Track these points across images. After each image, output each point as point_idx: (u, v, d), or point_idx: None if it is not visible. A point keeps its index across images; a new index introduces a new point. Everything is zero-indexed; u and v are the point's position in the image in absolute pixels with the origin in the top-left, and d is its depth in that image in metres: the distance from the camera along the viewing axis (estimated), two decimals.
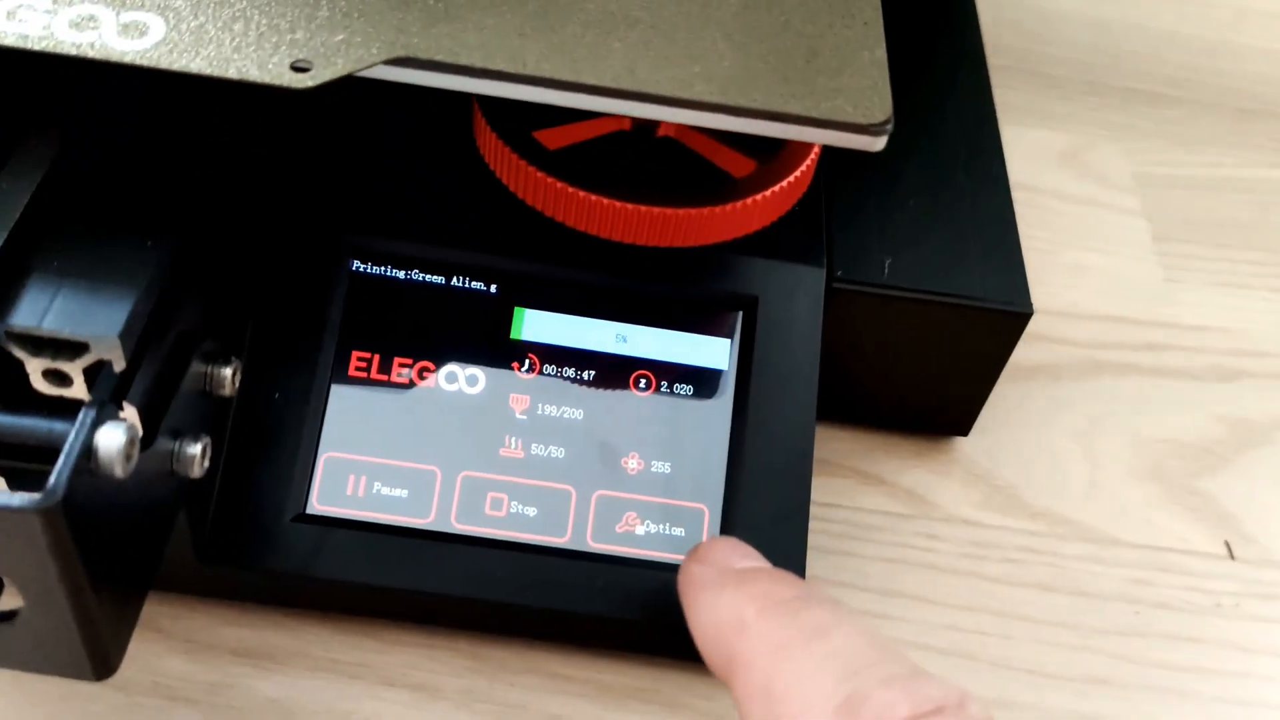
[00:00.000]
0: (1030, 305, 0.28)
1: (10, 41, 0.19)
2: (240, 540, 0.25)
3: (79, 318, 0.19)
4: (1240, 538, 0.32)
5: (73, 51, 0.19)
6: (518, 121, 0.27)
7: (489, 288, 0.27)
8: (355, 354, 0.26)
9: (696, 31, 0.22)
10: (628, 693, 0.26)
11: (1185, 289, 0.37)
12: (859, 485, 0.31)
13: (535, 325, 0.27)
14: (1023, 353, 0.32)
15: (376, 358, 0.27)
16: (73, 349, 0.19)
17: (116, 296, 0.19)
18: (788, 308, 0.28)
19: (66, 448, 0.17)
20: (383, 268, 0.27)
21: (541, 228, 0.26)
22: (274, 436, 0.26)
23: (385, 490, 0.26)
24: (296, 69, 0.20)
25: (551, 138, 0.27)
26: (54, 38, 0.20)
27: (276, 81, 0.19)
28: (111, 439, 0.18)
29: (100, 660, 0.20)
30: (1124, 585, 0.30)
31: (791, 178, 0.27)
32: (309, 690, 0.25)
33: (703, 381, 0.27)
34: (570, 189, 0.26)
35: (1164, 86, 0.44)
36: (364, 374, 0.26)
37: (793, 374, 0.27)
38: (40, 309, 0.19)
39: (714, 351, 0.27)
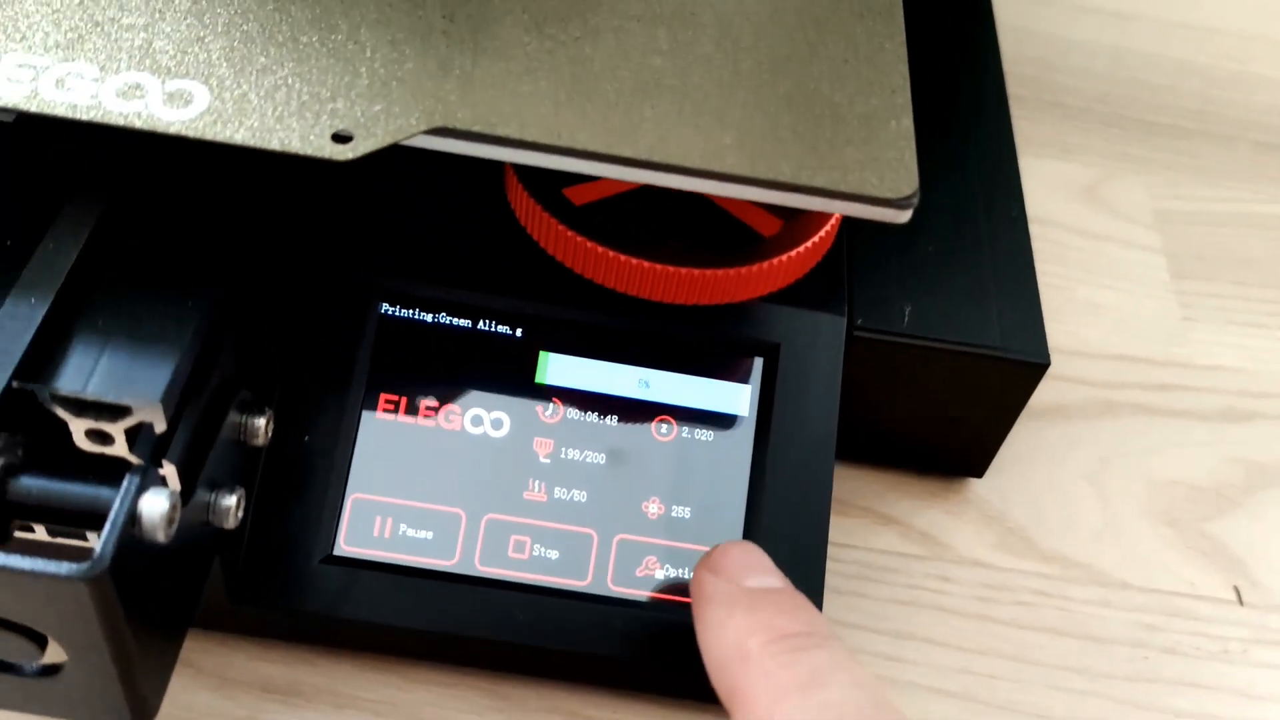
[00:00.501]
0: (1047, 356, 0.29)
1: (60, 111, 0.20)
2: (270, 581, 0.25)
3: (122, 382, 0.20)
4: (1249, 583, 0.32)
5: (120, 122, 0.20)
6: (547, 177, 0.27)
7: (514, 332, 0.28)
8: (383, 396, 0.27)
9: (726, 99, 0.23)
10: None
11: (1201, 328, 0.38)
12: (873, 525, 0.32)
13: (560, 369, 0.28)
14: (1036, 393, 0.32)
15: (404, 400, 0.27)
16: (115, 411, 0.20)
17: (158, 359, 0.20)
18: (809, 355, 0.28)
19: (112, 516, 0.18)
20: (411, 311, 0.27)
21: (568, 278, 0.27)
22: (303, 479, 0.26)
23: (411, 532, 0.26)
24: (338, 139, 0.20)
25: (580, 193, 0.27)
26: (102, 107, 0.20)
27: (318, 154, 0.20)
28: (155, 506, 0.18)
29: (139, 708, 0.20)
30: (1133, 630, 0.30)
31: (818, 236, 0.27)
32: None
33: (723, 427, 0.28)
34: (598, 247, 0.26)
35: (1182, 119, 0.44)
36: (391, 416, 0.27)
37: (812, 420, 0.28)
38: (85, 373, 0.20)
39: (735, 397, 0.28)
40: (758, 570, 0.24)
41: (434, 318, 0.27)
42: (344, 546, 0.26)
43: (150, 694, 0.20)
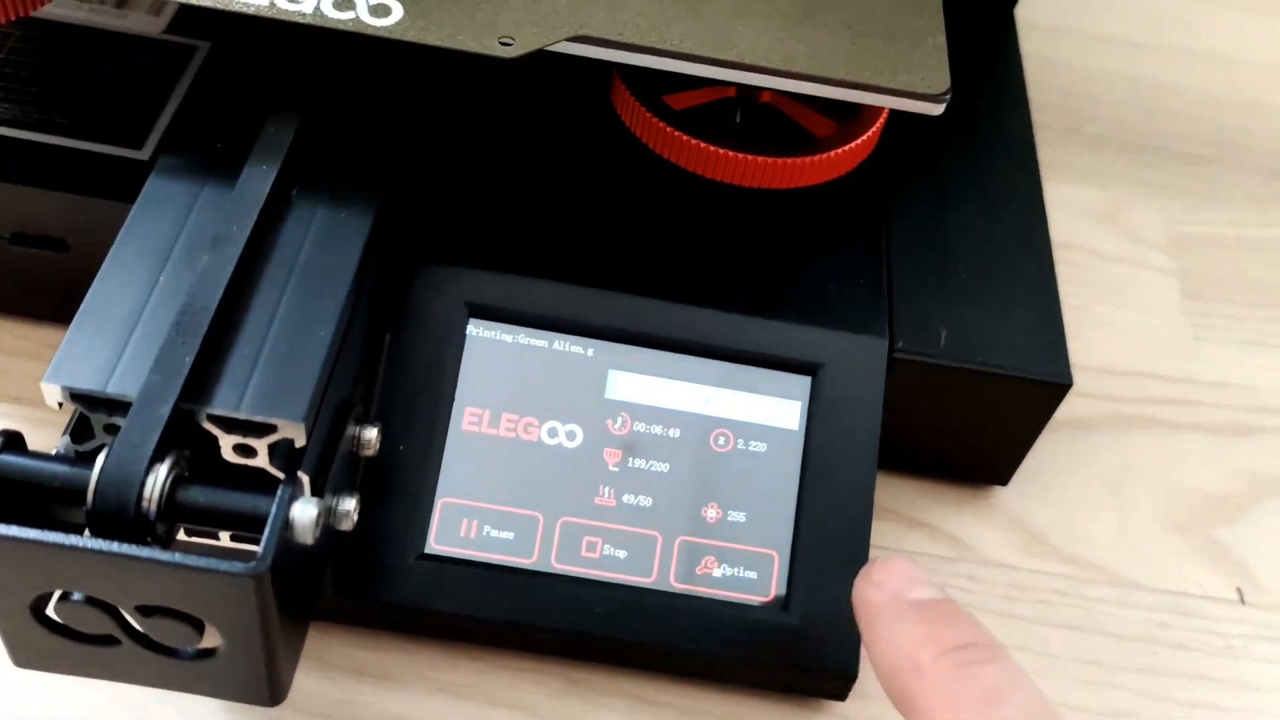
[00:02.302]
0: (1070, 378, 0.32)
1: (292, 17, 0.25)
2: (370, 577, 0.28)
3: (269, 403, 0.22)
4: (1252, 585, 0.35)
5: (338, 25, 0.25)
6: (652, 87, 0.32)
7: (586, 352, 0.31)
8: (469, 410, 0.30)
9: (800, 20, 0.29)
10: (702, 714, 0.30)
11: (1211, 346, 0.40)
12: (906, 529, 0.34)
13: (626, 386, 0.30)
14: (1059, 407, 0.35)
15: (487, 413, 0.30)
16: (261, 429, 0.23)
17: (298, 382, 0.23)
18: (853, 375, 0.31)
19: (270, 521, 0.21)
20: (495, 332, 0.30)
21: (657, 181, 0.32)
22: (398, 485, 0.29)
23: (494, 533, 0.29)
24: (503, 43, 0.26)
25: (677, 101, 0.32)
26: (323, 14, 0.26)
27: (489, 52, 0.26)
28: (306, 514, 0.21)
29: (275, 689, 0.23)
30: (1145, 627, 0.33)
31: (862, 138, 0.31)
32: (424, 707, 0.29)
33: (776, 440, 0.30)
34: (694, 140, 0.31)
35: (1198, 145, 0.47)
36: (476, 429, 0.30)
37: (856, 434, 0.31)
38: (237, 396, 0.22)
39: (786, 413, 0.31)
40: (919, 584, 0.25)
41: (514, 339, 0.30)
42: (434, 545, 0.29)
43: (285, 676, 0.23)
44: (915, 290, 0.33)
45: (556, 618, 0.29)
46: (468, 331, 0.30)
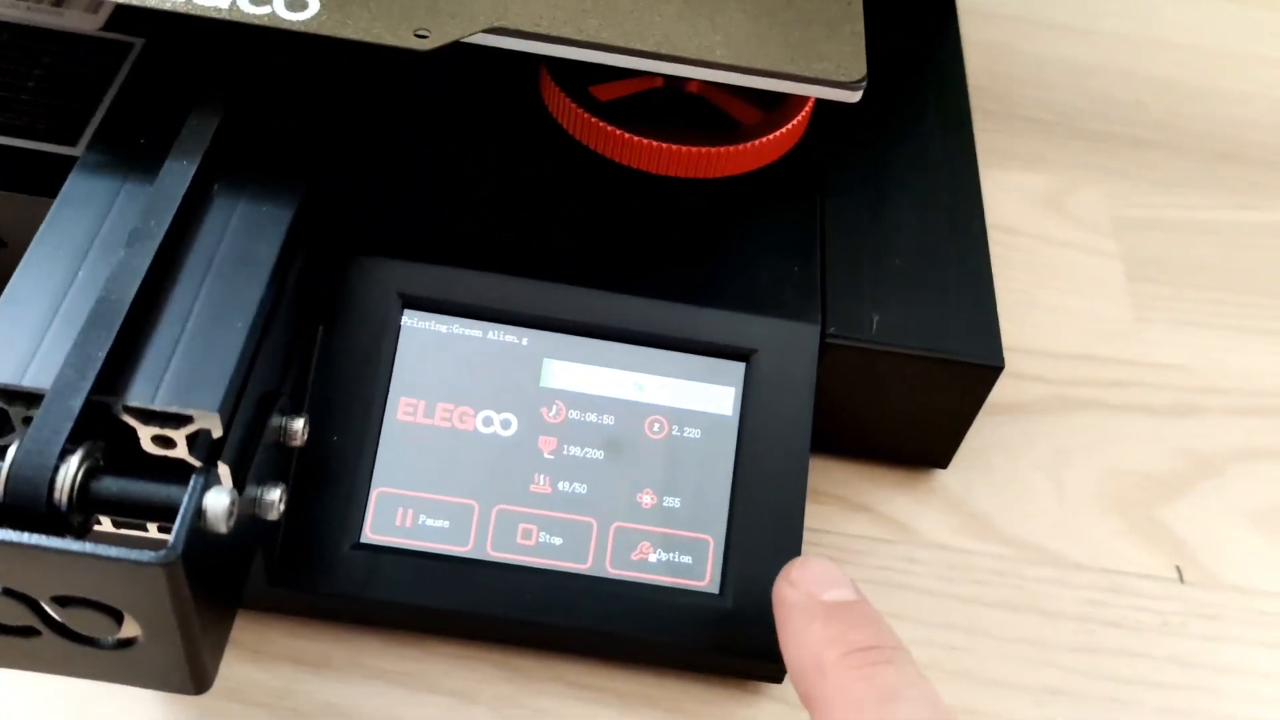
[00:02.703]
0: (1002, 359, 0.32)
1: (208, 13, 0.25)
2: (304, 566, 0.29)
3: (183, 394, 0.23)
4: (1190, 563, 0.35)
5: (254, 21, 0.25)
6: (577, 75, 0.32)
7: (521, 341, 0.31)
8: (404, 400, 0.30)
9: (718, 9, 0.29)
10: (639, 699, 0.30)
11: (1153, 328, 0.41)
12: (846, 512, 0.35)
13: (561, 374, 0.31)
14: (998, 391, 0.35)
15: (422, 404, 0.30)
16: (178, 420, 0.23)
17: (213, 373, 0.23)
18: (786, 360, 0.31)
19: (182, 511, 0.21)
20: (429, 323, 0.30)
21: (584, 172, 0.32)
22: (332, 475, 0.29)
23: (429, 521, 0.30)
24: (418, 35, 0.26)
25: (603, 92, 0.32)
26: (239, 9, 0.25)
27: (405, 44, 0.25)
28: (218, 502, 0.21)
29: (199, 677, 0.23)
30: (1081, 606, 0.34)
31: (789, 125, 0.32)
32: (362, 695, 0.29)
33: (710, 426, 0.31)
34: (620, 131, 0.31)
35: (1144, 130, 0.47)
36: (411, 418, 0.30)
37: (789, 419, 0.31)
38: (152, 388, 0.23)
39: (720, 399, 0.31)
40: (834, 584, 0.26)
41: (449, 328, 0.31)
42: (370, 535, 0.29)
43: (209, 665, 0.24)
44: (848, 276, 0.33)
45: (493, 605, 0.29)
46: (402, 322, 0.30)
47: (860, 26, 0.29)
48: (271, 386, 0.26)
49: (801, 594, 0.26)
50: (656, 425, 0.31)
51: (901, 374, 0.32)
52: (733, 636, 0.29)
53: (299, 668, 0.29)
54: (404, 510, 0.29)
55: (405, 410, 0.30)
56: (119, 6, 0.26)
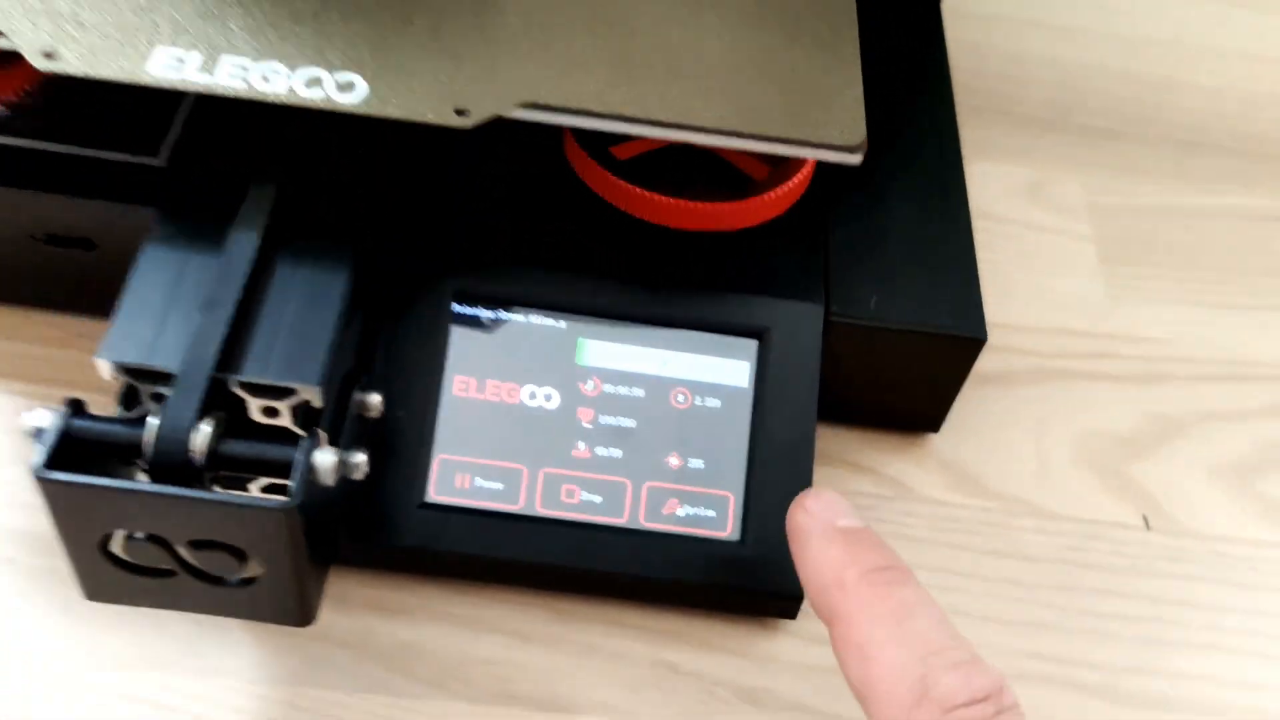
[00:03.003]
0: (985, 333, 0.36)
1: (269, 98, 0.28)
2: (378, 524, 0.33)
3: (289, 371, 0.27)
4: (1156, 512, 0.39)
5: (309, 104, 0.28)
6: (598, 139, 0.35)
7: (559, 324, 0.35)
8: (458, 378, 0.34)
9: (728, 80, 0.31)
10: (671, 635, 0.34)
11: (1124, 305, 0.45)
12: (850, 473, 0.39)
13: (596, 353, 0.35)
14: (984, 362, 0.39)
15: (474, 381, 0.34)
16: (284, 393, 0.27)
17: (311, 353, 0.27)
18: (795, 338, 0.35)
19: (298, 466, 0.25)
20: (477, 309, 0.35)
21: (608, 228, 0.35)
22: (400, 444, 0.33)
23: (484, 483, 0.34)
24: (459, 113, 0.29)
25: (623, 150, 0.35)
26: (295, 94, 0.28)
27: (447, 123, 0.28)
28: (325, 460, 0.26)
29: (305, 612, 0.28)
30: (1060, 551, 0.38)
31: (795, 180, 0.35)
32: (432, 635, 0.33)
33: (727, 396, 0.35)
34: (636, 188, 0.34)
35: (1117, 123, 0.51)
36: (465, 394, 0.34)
37: (798, 390, 0.35)
38: (262, 366, 0.27)
39: (737, 372, 0.35)
40: (845, 513, 0.29)
41: (495, 315, 0.35)
42: (433, 495, 0.33)
43: (313, 601, 0.28)
44: (849, 262, 0.37)
45: (542, 555, 0.33)
46: (453, 311, 0.34)
47: (859, 91, 0.32)
48: (351, 368, 0.30)
49: (818, 521, 0.29)
50: (681, 396, 0.35)
51: (896, 348, 0.36)
52: (752, 579, 0.34)
53: (377, 613, 0.34)
54: (462, 474, 0.34)
55: (460, 387, 0.34)
56: None
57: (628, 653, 0.34)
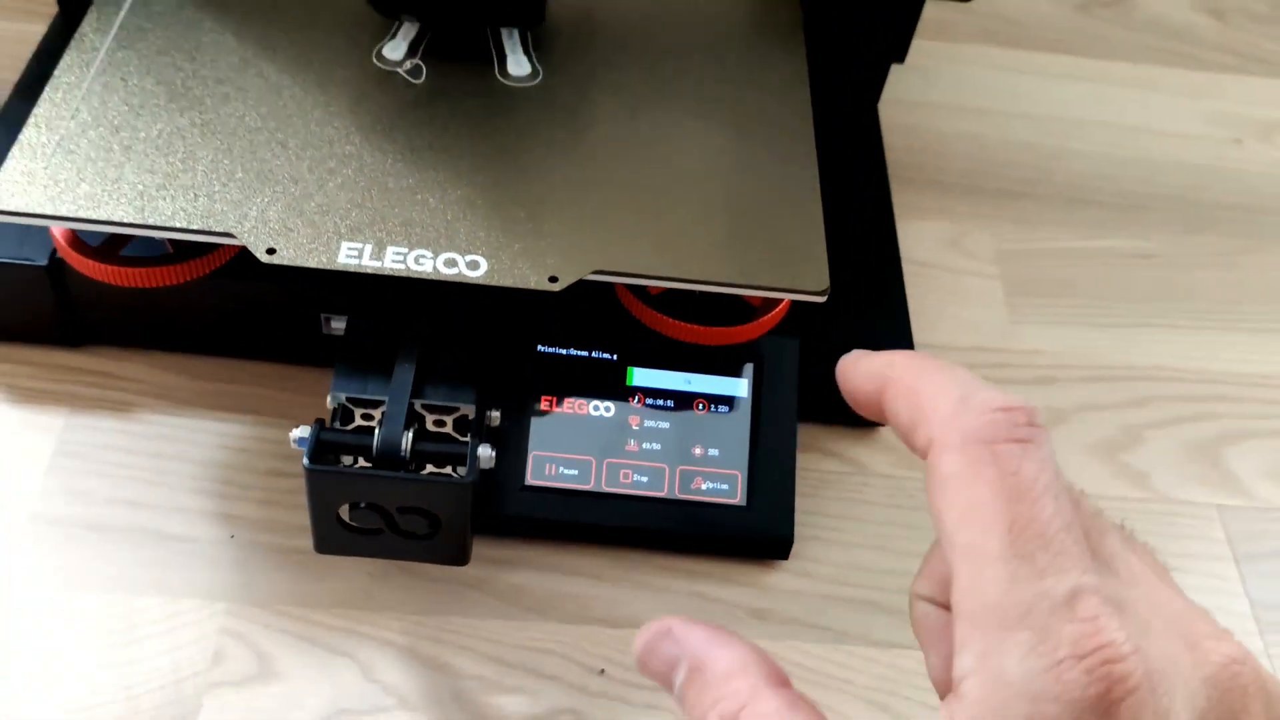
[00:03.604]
0: (913, 349, 0.50)
1: (421, 275, 0.41)
2: (493, 500, 0.47)
3: (452, 394, 0.41)
4: None
5: (448, 279, 0.41)
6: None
7: (614, 357, 0.49)
8: (544, 398, 0.48)
9: (730, 245, 0.44)
10: (700, 574, 0.48)
11: (1023, 327, 0.59)
12: (822, 457, 0.53)
13: (640, 377, 0.49)
14: None
15: (555, 399, 0.48)
16: (449, 410, 0.41)
17: (467, 385, 0.41)
18: (780, 361, 0.50)
19: (470, 455, 0.39)
20: (554, 349, 0.49)
21: (647, 342, 0.49)
22: (508, 445, 0.47)
23: (565, 470, 0.48)
24: (551, 280, 0.42)
25: (654, 289, 0.49)
26: (439, 272, 0.41)
27: (545, 288, 0.41)
28: (486, 451, 0.40)
29: (467, 555, 0.41)
30: None
31: (780, 307, 0.49)
32: (532, 579, 0.47)
33: (734, 404, 0.49)
34: (665, 317, 0.48)
35: (1018, 185, 0.66)
36: (549, 409, 0.48)
37: (783, 398, 0.49)
38: (436, 390, 0.41)
39: (739, 386, 0.49)
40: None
41: (569, 351, 0.49)
42: (530, 480, 0.47)
43: (470, 549, 0.42)
44: (814, 305, 0.51)
45: (608, 519, 0.47)
46: (538, 349, 0.49)
47: (823, 245, 0.44)
48: (484, 393, 0.44)
49: (863, 355, 0.32)
50: (701, 405, 0.49)
51: None
52: (756, 532, 0.48)
53: (494, 564, 0.47)
54: (550, 465, 0.48)
55: (545, 404, 0.48)
56: None
57: (670, 586, 0.48)
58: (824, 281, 0.44)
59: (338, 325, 0.48)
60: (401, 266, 0.41)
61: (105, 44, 0.47)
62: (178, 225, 0.41)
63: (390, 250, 0.42)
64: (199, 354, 0.52)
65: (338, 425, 0.41)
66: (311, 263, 0.41)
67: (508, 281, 0.41)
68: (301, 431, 0.39)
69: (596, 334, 0.49)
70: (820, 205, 0.46)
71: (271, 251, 0.41)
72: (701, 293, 0.47)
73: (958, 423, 0.27)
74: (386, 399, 0.40)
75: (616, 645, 0.46)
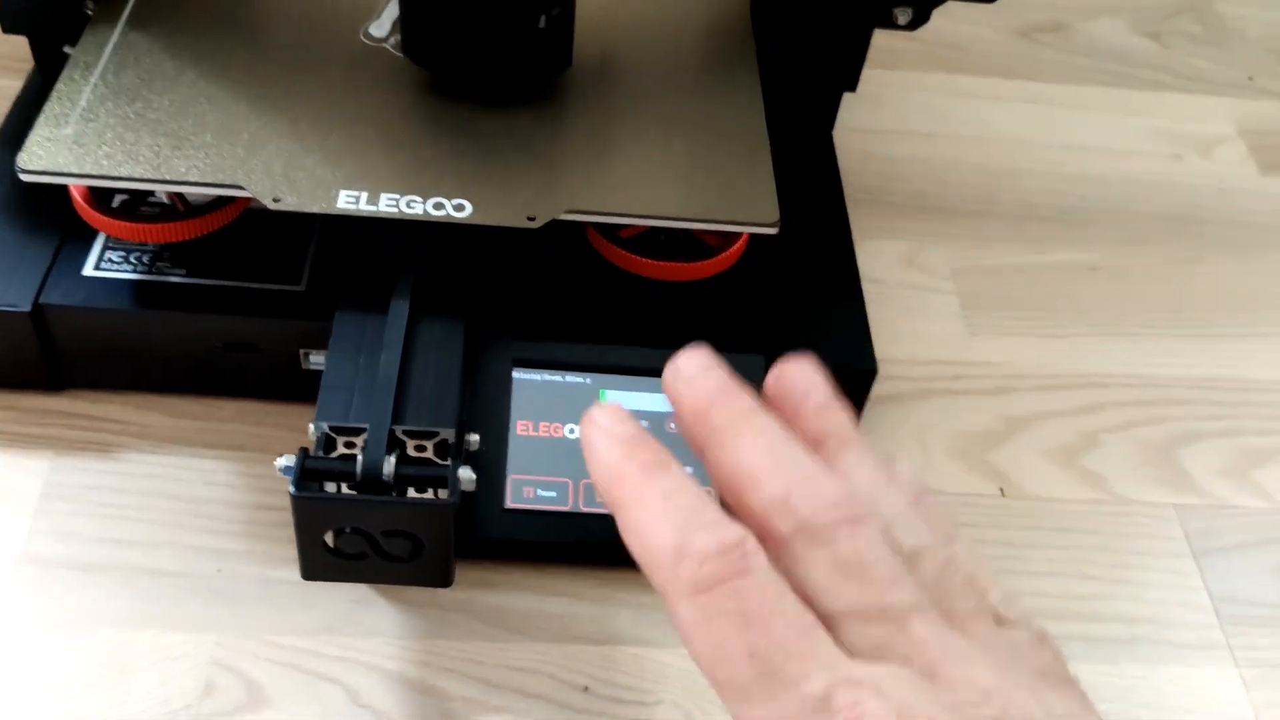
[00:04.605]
0: (875, 365, 0.52)
1: (409, 217, 0.44)
2: (474, 523, 0.48)
3: (433, 419, 0.42)
4: (1008, 484, 0.56)
5: (436, 219, 0.44)
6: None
7: (586, 380, 0.51)
8: (520, 422, 0.50)
9: (688, 184, 0.48)
10: None
11: (979, 339, 0.62)
12: None
13: (613, 398, 0.50)
14: (879, 388, 0.56)
15: (531, 423, 0.50)
16: (429, 435, 0.42)
17: (447, 408, 0.43)
18: (745, 376, 0.51)
19: (451, 478, 0.40)
20: (531, 373, 0.50)
21: (617, 284, 0.51)
22: (486, 468, 0.49)
23: (544, 493, 0.49)
24: (529, 219, 0.45)
25: (625, 232, 0.52)
26: (429, 214, 0.45)
27: (524, 225, 0.45)
28: (467, 474, 0.41)
29: (448, 578, 0.43)
30: None
31: (737, 245, 0.51)
32: (513, 600, 0.49)
33: None
34: (634, 256, 0.50)
35: (970, 204, 0.69)
36: (527, 433, 0.50)
37: None
38: (416, 416, 0.42)
39: None
40: (625, 422, 0.37)
41: (543, 376, 0.50)
42: (509, 503, 0.48)
43: (453, 571, 0.43)
44: (777, 322, 0.53)
45: (586, 538, 0.49)
46: (514, 375, 0.50)
47: (773, 181, 0.49)
48: (462, 418, 0.46)
49: (602, 430, 0.36)
50: (672, 425, 0.50)
51: None
52: None
53: (476, 587, 0.49)
54: (528, 488, 0.49)
55: (522, 428, 0.50)
56: None
57: (650, 602, 0.49)
58: (774, 214, 0.48)
59: (316, 361, 0.49)
60: (394, 210, 0.45)
61: (119, 26, 0.52)
62: (192, 179, 0.45)
63: (384, 196, 0.46)
64: (180, 394, 0.53)
65: (321, 453, 0.42)
66: (314, 208, 0.45)
67: (491, 220, 0.45)
68: (286, 460, 0.40)
69: (573, 287, 0.53)
70: (769, 153, 0.51)
71: (277, 200, 0.45)
72: (666, 237, 0.52)
73: (680, 574, 0.29)
74: (368, 426, 0.41)
75: (600, 662, 0.47)
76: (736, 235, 0.52)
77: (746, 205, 0.48)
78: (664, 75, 0.55)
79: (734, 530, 0.29)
